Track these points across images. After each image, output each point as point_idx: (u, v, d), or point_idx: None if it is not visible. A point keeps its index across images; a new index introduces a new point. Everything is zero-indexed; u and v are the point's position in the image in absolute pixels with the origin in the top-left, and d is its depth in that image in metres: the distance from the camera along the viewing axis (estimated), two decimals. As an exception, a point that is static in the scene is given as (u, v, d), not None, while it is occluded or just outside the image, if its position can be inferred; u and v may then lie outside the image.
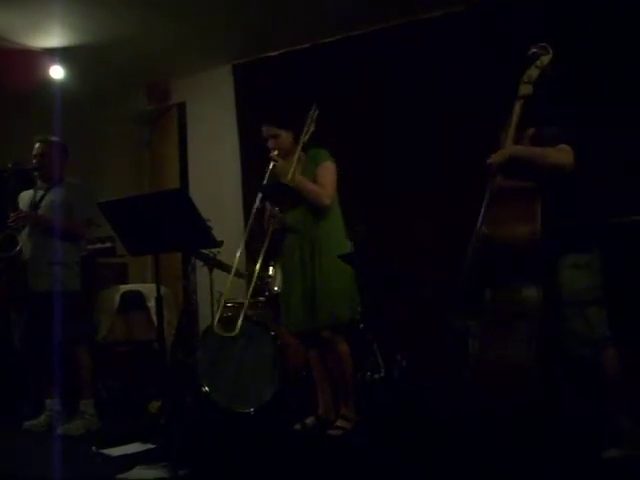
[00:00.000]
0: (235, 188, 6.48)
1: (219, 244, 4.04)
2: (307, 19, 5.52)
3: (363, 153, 5.53)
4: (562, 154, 3.06)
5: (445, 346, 4.03)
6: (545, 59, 3.25)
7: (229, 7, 5.29)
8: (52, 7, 5.00)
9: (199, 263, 5.44)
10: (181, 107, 7.19)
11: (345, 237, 4.11)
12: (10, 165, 4.52)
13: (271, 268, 4.83)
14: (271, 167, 3.99)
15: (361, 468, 3.36)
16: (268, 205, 4.13)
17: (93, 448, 3.87)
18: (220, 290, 5.03)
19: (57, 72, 6.05)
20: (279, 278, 4.68)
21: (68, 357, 4.35)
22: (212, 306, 5.03)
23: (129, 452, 3.76)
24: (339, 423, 3.96)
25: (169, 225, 3.31)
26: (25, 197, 4.56)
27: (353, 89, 5.43)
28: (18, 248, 4.33)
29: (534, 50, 3.27)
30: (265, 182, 3.96)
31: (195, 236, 3.43)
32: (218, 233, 3.66)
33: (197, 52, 6.31)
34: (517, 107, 3.23)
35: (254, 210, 4.06)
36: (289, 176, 3.85)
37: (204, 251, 5.00)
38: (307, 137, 4.03)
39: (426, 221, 5.32)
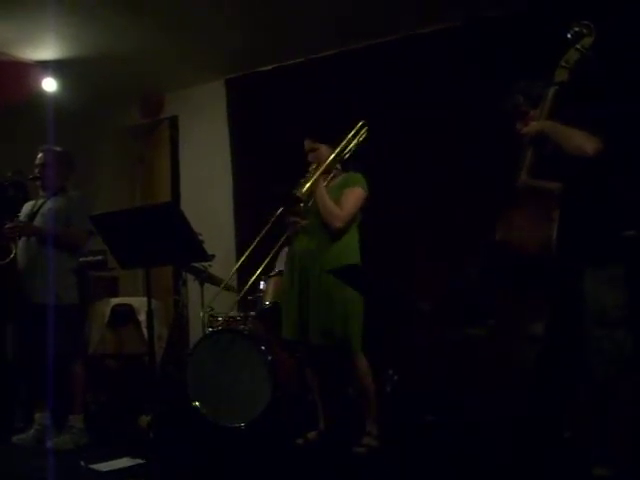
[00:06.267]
0: (227, 202, 6.48)
1: (210, 258, 4.03)
2: (300, 34, 5.54)
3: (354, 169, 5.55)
4: (587, 140, 2.84)
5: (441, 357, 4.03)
6: (587, 41, 2.94)
7: (222, 22, 5.30)
8: (45, 20, 5.01)
9: (190, 277, 5.43)
10: (174, 121, 7.20)
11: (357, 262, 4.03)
12: (10, 174, 4.52)
13: (262, 282, 4.82)
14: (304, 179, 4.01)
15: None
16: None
17: (82, 463, 3.85)
18: (211, 304, 5.04)
19: (50, 84, 6.05)
20: (270, 292, 4.69)
21: (61, 371, 4.33)
22: (203, 320, 5.02)
23: (118, 467, 3.73)
24: (365, 440, 3.89)
25: (161, 238, 3.30)
26: (26, 208, 4.57)
27: (347, 104, 5.43)
28: (11, 256, 4.35)
29: (576, 29, 2.96)
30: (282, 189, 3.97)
31: (186, 250, 3.42)
32: (209, 247, 3.66)
33: (190, 66, 6.32)
34: (551, 94, 3.00)
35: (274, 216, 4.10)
36: (303, 189, 3.84)
37: (195, 265, 4.99)
38: (346, 154, 4.03)
39: (422, 234, 5.31)
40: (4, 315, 4.61)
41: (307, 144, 4.10)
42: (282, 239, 4.17)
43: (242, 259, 4.13)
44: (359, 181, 4.02)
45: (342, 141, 4.04)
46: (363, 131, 4.10)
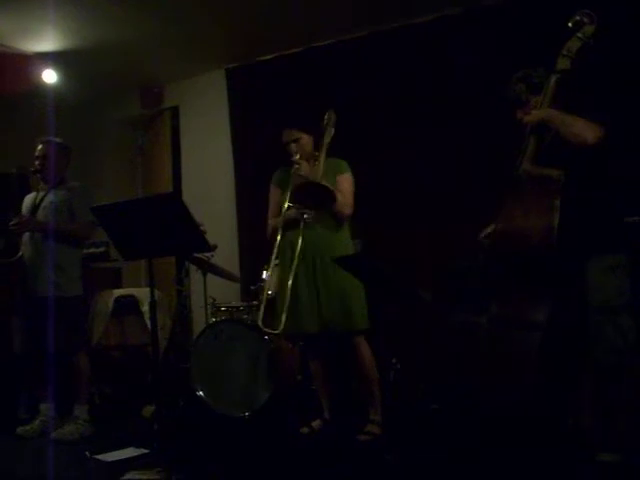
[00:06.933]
0: (228, 191, 6.48)
1: (213, 248, 4.03)
2: (300, 23, 5.52)
3: (356, 159, 5.52)
4: (589, 128, 2.85)
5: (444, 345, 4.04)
6: (589, 30, 2.92)
7: (222, 11, 5.28)
8: (45, 11, 4.98)
9: (193, 267, 5.42)
10: (174, 111, 7.19)
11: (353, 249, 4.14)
12: (14, 170, 4.54)
13: (265, 272, 4.82)
14: (294, 169, 4.00)
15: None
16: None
17: (87, 453, 3.87)
18: (213, 295, 5.04)
19: (50, 76, 6.04)
20: (274, 282, 4.68)
21: (66, 362, 4.35)
22: (206, 310, 5.02)
23: (123, 457, 3.75)
24: (368, 428, 3.93)
25: (163, 229, 3.30)
26: (28, 200, 4.58)
27: (346, 93, 5.41)
28: (19, 254, 4.37)
29: (577, 18, 2.95)
30: (292, 184, 3.96)
31: (189, 240, 3.42)
32: (211, 236, 3.66)
33: (190, 56, 6.30)
34: (552, 82, 2.99)
35: (285, 209, 4.04)
36: (319, 177, 3.84)
37: (198, 255, 4.98)
38: (329, 140, 4.01)
39: (424, 225, 5.29)
40: (9, 307, 4.62)
41: (289, 134, 4.09)
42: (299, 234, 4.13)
43: (272, 261, 4.10)
44: (346, 167, 4.11)
45: (324, 129, 4.02)
46: (333, 117, 4.04)
